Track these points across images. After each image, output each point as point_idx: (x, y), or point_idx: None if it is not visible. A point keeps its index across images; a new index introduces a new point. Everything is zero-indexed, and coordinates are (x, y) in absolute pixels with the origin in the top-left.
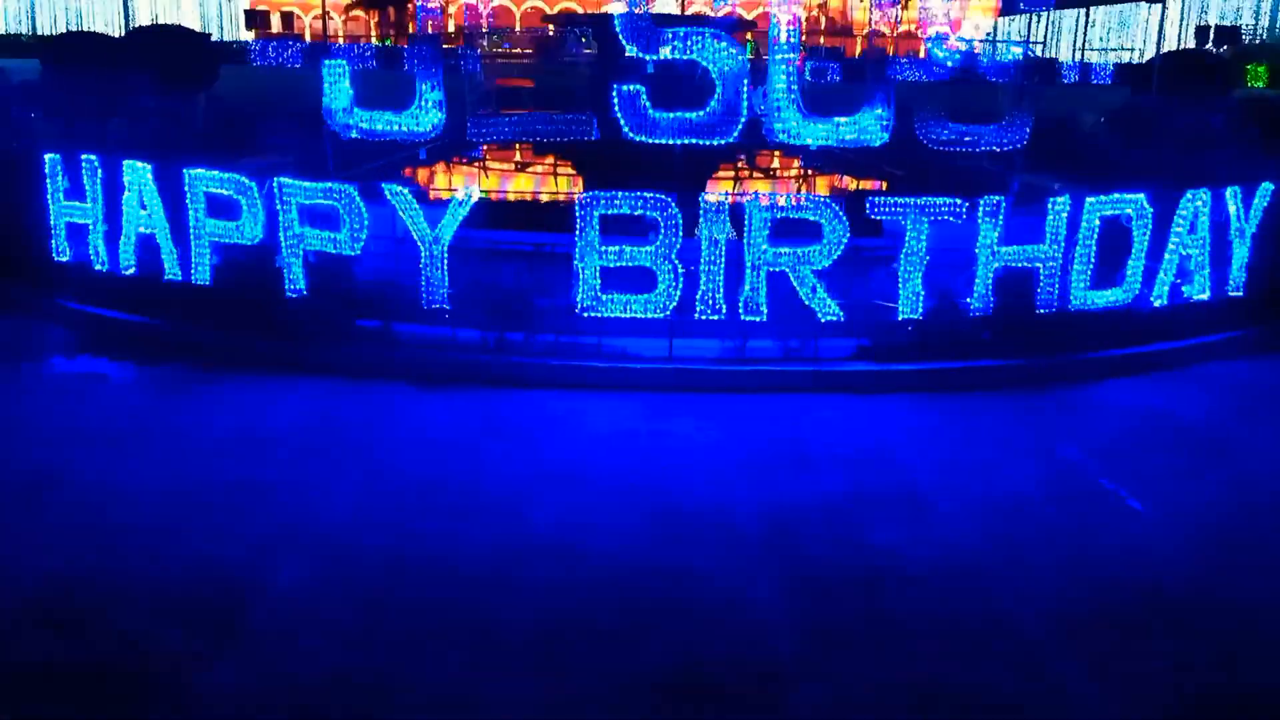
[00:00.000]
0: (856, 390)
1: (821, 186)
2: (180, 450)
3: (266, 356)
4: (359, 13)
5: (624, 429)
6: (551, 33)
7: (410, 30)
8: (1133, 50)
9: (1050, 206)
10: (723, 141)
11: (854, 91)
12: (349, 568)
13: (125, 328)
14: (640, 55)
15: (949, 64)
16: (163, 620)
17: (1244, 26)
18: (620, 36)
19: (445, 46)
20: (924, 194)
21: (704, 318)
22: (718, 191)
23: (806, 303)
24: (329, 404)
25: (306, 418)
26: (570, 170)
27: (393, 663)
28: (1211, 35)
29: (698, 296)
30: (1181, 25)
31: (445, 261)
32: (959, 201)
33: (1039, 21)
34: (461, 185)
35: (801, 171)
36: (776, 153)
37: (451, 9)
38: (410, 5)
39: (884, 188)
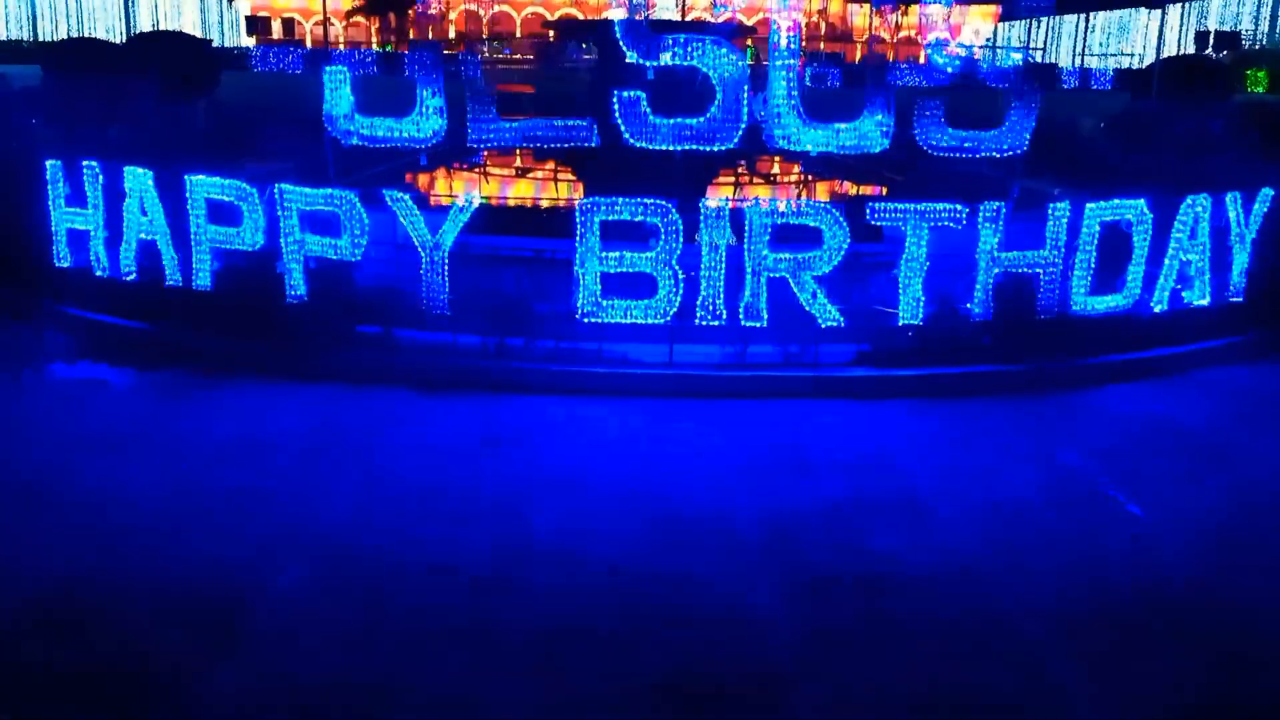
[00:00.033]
0: (857, 395)
1: (822, 192)
2: (181, 455)
3: (267, 362)
4: (360, 19)
5: (624, 434)
6: (552, 39)
7: (411, 36)
8: (1133, 55)
9: (1050, 212)
10: (723, 147)
11: (854, 97)
12: (349, 571)
13: (126, 333)
14: (641, 61)
15: (949, 70)
16: (163, 622)
17: (1244, 32)
18: (621, 43)
19: (446, 53)
20: (924, 199)
21: (704, 323)
22: (718, 197)
23: (807, 308)
24: (330, 409)
25: (307, 423)
26: (571, 176)
27: (393, 664)
28: (1211, 40)
29: (698, 302)
30: (1181, 30)
31: (446, 267)
32: (959, 207)
33: (1039, 27)
34: (462, 191)
35: (802, 177)
36: (777, 158)
37: (452, 15)
38: (411, 11)
39: (884, 193)
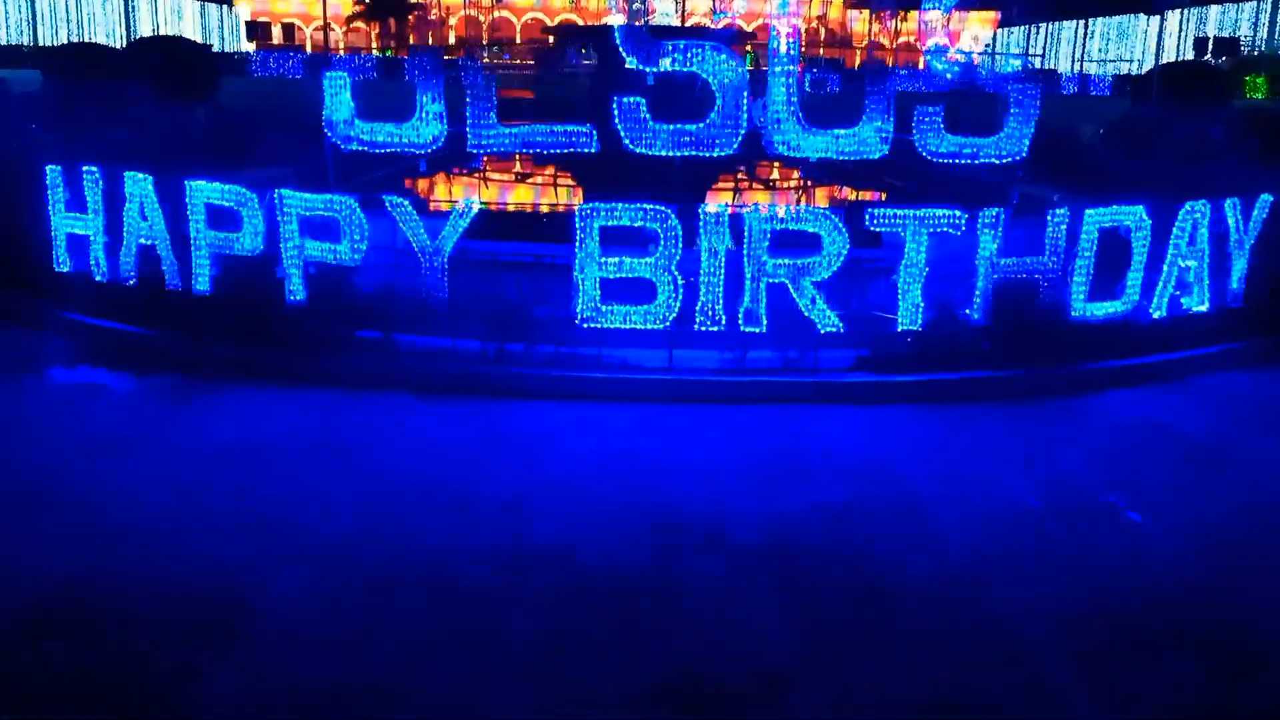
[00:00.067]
0: (856, 401)
1: (821, 198)
2: (181, 457)
3: (267, 367)
4: (360, 24)
5: (624, 439)
6: (551, 44)
7: (411, 41)
8: (1132, 61)
9: (1049, 218)
10: (722, 153)
11: (853, 103)
12: (349, 572)
13: (126, 337)
14: (640, 67)
15: (948, 76)
16: (163, 622)
17: (1243, 38)
18: (620, 49)
19: (446, 58)
20: (923, 205)
21: (704, 329)
22: (717, 203)
23: (806, 314)
24: (329, 414)
25: (307, 427)
26: (570, 181)
27: (394, 665)
28: (1210, 46)
29: (697, 307)
30: (1180, 36)
31: (445, 272)
32: (958, 213)
33: (1038, 33)
34: (462, 196)
35: (801, 182)
36: (776, 164)
37: (452, 20)
38: (411, 17)
39: (883, 198)
